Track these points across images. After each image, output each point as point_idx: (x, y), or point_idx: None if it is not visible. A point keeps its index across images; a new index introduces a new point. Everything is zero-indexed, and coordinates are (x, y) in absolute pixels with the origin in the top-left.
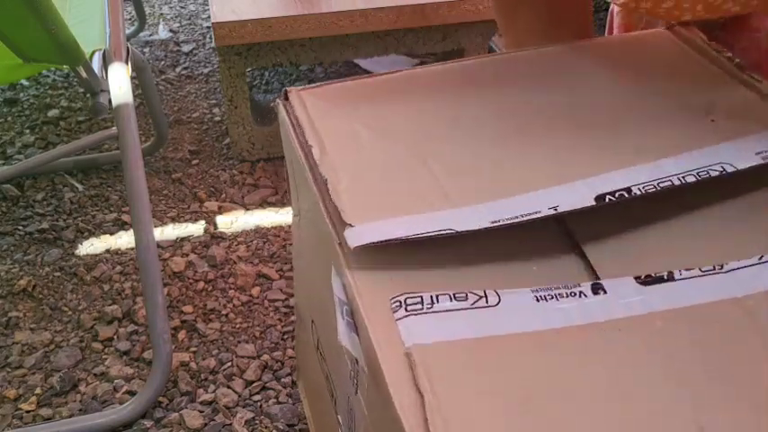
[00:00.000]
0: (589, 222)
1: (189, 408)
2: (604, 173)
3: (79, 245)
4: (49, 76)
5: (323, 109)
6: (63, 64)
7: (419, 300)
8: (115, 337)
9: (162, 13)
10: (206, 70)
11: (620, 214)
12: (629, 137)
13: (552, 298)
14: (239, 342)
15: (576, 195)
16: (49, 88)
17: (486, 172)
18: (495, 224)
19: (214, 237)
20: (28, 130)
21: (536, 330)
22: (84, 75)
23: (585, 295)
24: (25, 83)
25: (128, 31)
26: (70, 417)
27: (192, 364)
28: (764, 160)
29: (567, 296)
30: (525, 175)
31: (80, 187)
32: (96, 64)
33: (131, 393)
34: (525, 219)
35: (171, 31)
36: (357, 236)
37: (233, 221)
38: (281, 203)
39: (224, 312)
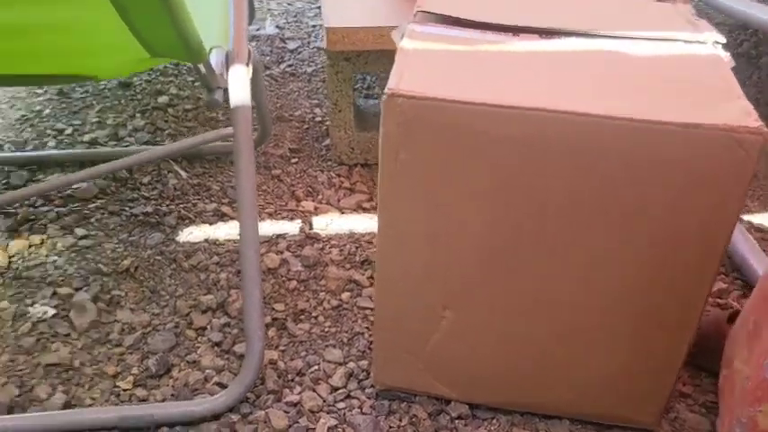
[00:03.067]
0: None
1: (275, 407)
2: None
3: (180, 231)
4: None
5: None
6: (187, 60)
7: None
8: (209, 327)
9: (270, 9)
10: (309, 69)
11: None
12: None
13: None
14: (327, 346)
15: None
16: (161, 75)
17: None
18: None
19: (309, 237)
20: (139, 114)
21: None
22: (203, 71)
23: None
24: None
25: None
26: (163, 401)
27: (281, 363)
28: None
29: None
30: None
31: (184, 175)
32: (214, 60)
33: (220, 385)
34: None
35: (278, 27)
36: None
37: (328, 223)
38: (375, 210)
39: (314, 314)
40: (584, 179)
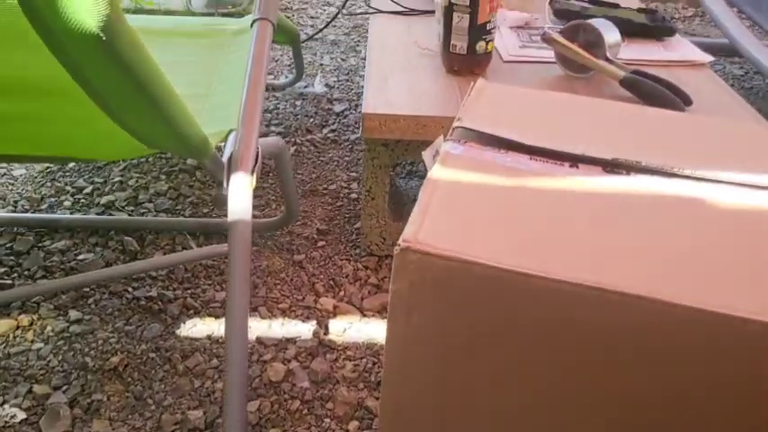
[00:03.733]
0: None
1: None
2: None
3: (181, 324)
4: None
5: None
6: (188, 156)
7: None
8: None
9: (322, 64)
10: (353, 137)
11: None
12: None
13: None
14: None
15: None
16: None
17: None
18: None
19: (322, 344)
20: (164, 177)
21: None
22: (209, 165)
23: None
24: None
25: (283, 81)
26: None
27: None
28: None
29: None
30: None
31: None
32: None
33: None
34: None
35: (327, 85)
36: None
37: (346, 328)
38: None
39: None
40: (656, 376)
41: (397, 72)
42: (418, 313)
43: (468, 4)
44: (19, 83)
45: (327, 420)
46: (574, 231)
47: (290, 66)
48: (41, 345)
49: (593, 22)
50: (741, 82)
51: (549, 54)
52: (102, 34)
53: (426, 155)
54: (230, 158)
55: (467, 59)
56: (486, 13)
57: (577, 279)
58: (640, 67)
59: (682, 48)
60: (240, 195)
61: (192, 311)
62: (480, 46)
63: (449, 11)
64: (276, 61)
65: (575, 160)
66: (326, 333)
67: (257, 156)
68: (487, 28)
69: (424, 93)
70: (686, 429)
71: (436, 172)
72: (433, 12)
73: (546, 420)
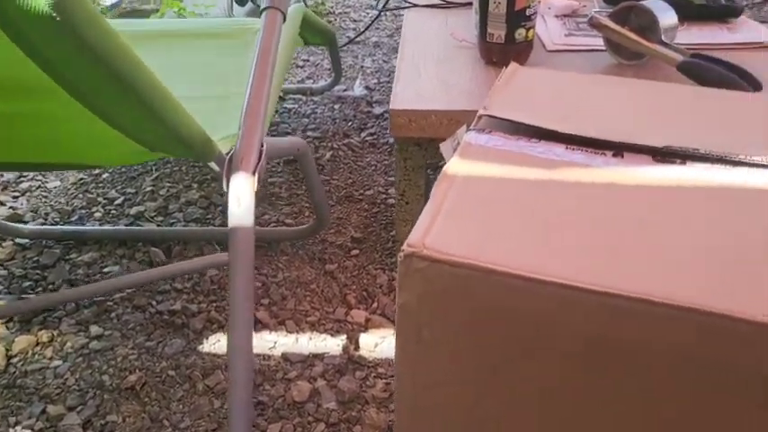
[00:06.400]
0: None
1: None
2: None
3: (204, 339)
4: None
5: None
6: (191, 158)
7: None
8: None
9: (363, 66)
10: (392, 140)
11: None
12: None
13: None
14: None
15: None
16: None
17: None
18: None
19: (351, 360)
20: (195, 185)
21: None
22: (217, 169)
23: None
24: None
25: (322, 85)
26: None
27: None
28: None
29: None
30: None
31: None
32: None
33: None
34: None
35: (367, 88)
36: None
37: (377, 343)
38: None
39: None
40: (714, 403)
41: (431, 65)
42: (429, 329)
43: None
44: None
45: None
46: (617, 233)
47: (329, 69)
48: (59, 362)
49: (647, 3)
50: None
51: (597, 41)
52: (54, 12)
53: (445, 147)
54: (230, 158)
55: (505, 49)
56: None
57: (621, 290)
58: (701, 51)
59: (749, 29)
60: (240, 198)
61: (215, 325)
62: (520, 34)
63: None
64: (316, 66)
65: (619, 149)
66: (357, 348)
67: (261, 155)
68: (527, 14)
69: (459, 86)
70: None
71: (453, 165)
72: (471, 3)
73: None
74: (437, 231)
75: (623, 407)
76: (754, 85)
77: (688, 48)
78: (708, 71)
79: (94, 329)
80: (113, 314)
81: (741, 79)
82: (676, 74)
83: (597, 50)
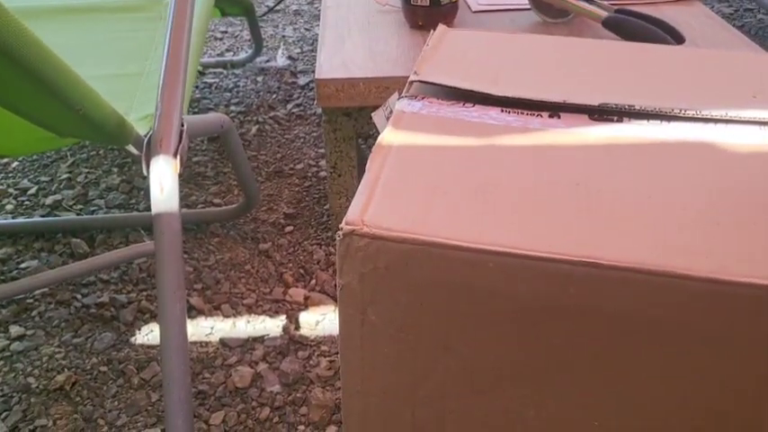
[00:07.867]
0: None
1: None
2: None
3: (136, 331)
4: None
5: None
6: (104, 142)
7: None
8: None
9: (284, 36)
10: (320, 111)
11: None
12: None
13: None
14: None
15: None
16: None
17: None
18: None
19: (293, 341)
20: (116, 169)
21: None
22: (135, 152)
23: None
24: None
25: (242, 57)
26: None
27: None
28: None
29: None
30: None
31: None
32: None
33: None
34: None
35: (290, 57)
36: None
37: (318, 321)
38: None
39: None
40: (667, 364)
41: (355, 32)
42: (374, 310)
43: None
44: None
45: (302, 427)
46: (559, 195)
47: (249, 40)
48: None
49: None
50: (731, 21)
51: (522, 0)
52: None
53: (378, 116)
54: (148, 140)
55: (430, 11)
56: None
57: (564, 254)
58: (625, 6)
59: None
60: (163, 183)
61: (147, 315)
62: None
63: None
64: (236, 37)
65: (555, 109)
66: (297, 328)
67: (182, 135)
68: None
69: (385, 52)
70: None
71: (387, 135)
72: None
73: (538, 423)
74: (375, 206)
75: (577, 374)
76: (678, 39)
77: (612, 3)
78: (633, 26)
79: (15, 330)
80: (35, 312)
81: (665, 33)
82: (602, 30)
83: (522, 10)
